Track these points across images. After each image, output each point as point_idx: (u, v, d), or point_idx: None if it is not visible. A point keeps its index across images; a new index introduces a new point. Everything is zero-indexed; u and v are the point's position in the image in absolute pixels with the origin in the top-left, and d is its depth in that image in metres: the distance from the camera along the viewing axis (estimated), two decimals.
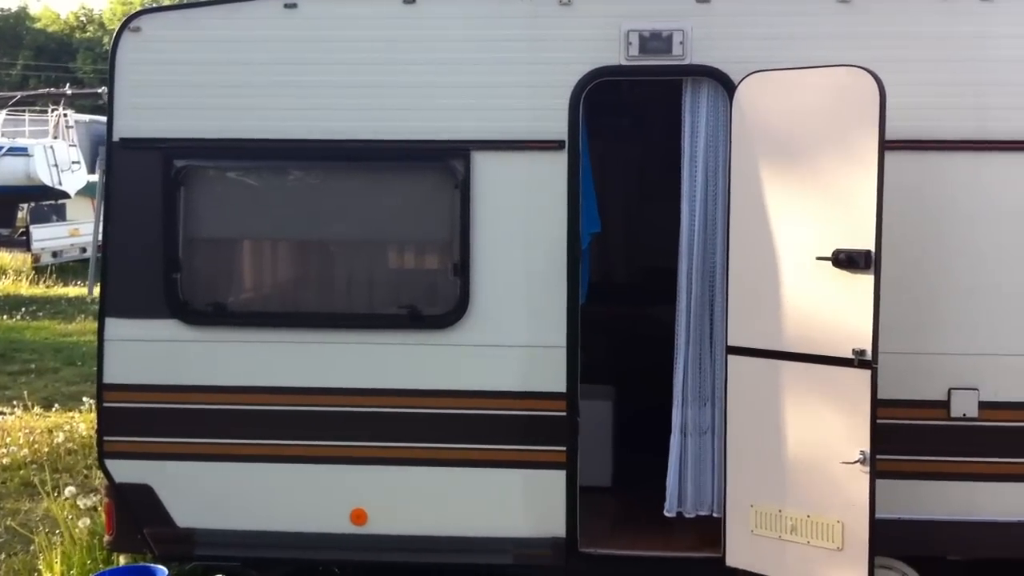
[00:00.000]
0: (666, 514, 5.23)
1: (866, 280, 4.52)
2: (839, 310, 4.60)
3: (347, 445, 5.28)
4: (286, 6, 5.24)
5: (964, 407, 5.01)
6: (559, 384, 5.15)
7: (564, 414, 5.15)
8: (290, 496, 5.31)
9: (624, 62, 5.11)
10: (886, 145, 4.50)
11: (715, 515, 5.16)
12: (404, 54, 5.17)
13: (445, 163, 5.18)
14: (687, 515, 5.21)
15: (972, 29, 4.96)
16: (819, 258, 4.62)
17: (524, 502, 5.22)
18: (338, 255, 5.48)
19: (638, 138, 7.47)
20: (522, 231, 5.18)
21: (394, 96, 5.17)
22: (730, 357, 4.90)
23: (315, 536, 5.29)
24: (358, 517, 5.28)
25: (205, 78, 5.26)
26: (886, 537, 4.72)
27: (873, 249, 4.50)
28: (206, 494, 5.34)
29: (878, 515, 4.56)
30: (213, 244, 5.47)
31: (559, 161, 5.13)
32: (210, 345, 5.32)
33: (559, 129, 5.12)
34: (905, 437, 4.99)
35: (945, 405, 5.03)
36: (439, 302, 5.25)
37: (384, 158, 5.23)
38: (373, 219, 5.34)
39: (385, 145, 5.20)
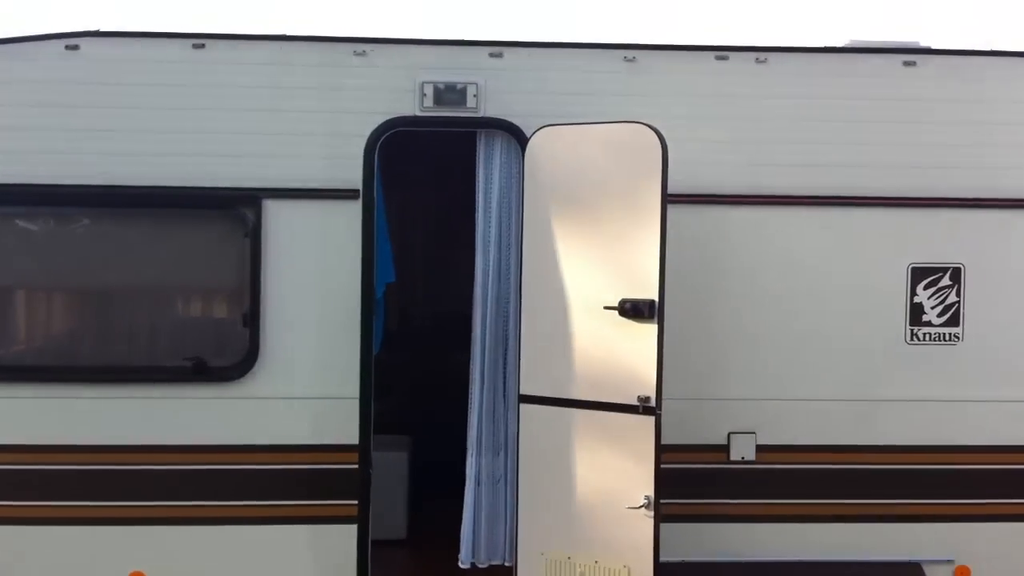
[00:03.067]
0: (461, 565, 5.21)
1: (650, 329, 4.66)
2: (625, 358, 4.72)
3: (126, 505, 5.05)
4: (68, 48, 5.04)
5: (743, 451, 5.23)
6: (351, 436, 5.07)
7: (356, 467, 5.08)
8: (65, 559, 5.02)
9: (419, 113, 5.15)
10: (669, 198, 4.67)
11: (507, 564, 5.19)
12: (192, 99, 5.06)
13: (235, 211, 5.08)
14: (480, 565, 5.21)
15: (749, 90, 5.24)
16: (606, 307, 4.74)
17: (313, 558, 5.10)
18: (120, 305, 5.26)
19: (439, 186, 7.53)
20: (315, 280, 5.11)
21: (180, 142, 5.05)
22: (522, 405, 4.95)
23: None
24: None
25: None
26: None
27: (657, 299, 4.65)
28: None
29: (663, 558, 4.66)
30: None
31: (353, 210, 5.10)
32: None
33: (353, 178, 5.10)
34: (688, 481, 5.15)
35: (725, 449, 5.25)
36: (227, 353, 5.10)
37: (170, 204, 5.08)
38: (158, 268, 5.16)
39: (171, 192, 5.05)
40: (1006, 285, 5.31)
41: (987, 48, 5.41)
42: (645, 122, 4.69)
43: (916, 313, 5.29)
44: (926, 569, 5.28)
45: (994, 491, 5.31)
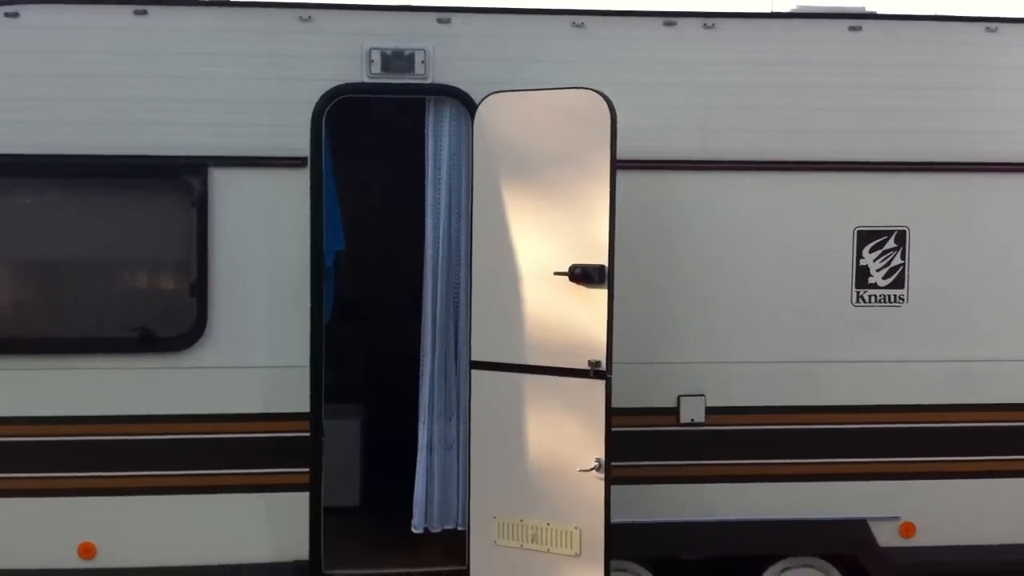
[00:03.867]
0: (414, 531, 5.24)
1: (600, 294, 4.69)
2: (576, 323, 4.75)
3: (74, 476, 5.02)
4: (7, 15, 4.94)
5: (692, 413, 5.29)
6: (302, 404, 5.07)
7: (308, 435, 5.08)
8: (14, 531, 5.00)
9: (366, 79, 5.12)
10: (618, 164, 4.69)
11: (460, 528, 5.22)
12: (135, 67, 4.99)
13: (181, 180, 5.03)
14: (433, 530, 5.25)
15: (697, 56, 5.25)
16: (556, 273, 4.76)
17: (266, 527, 5.11)
18: (66, 276, 5.19)
19: (389, 155, 7.49)
20: (263, 249, 5.09)
21: (125, 110, 4.99)
22: (473, 371, 4.97)
23: (39, 573, 4.99)
24: (86, 551, 5.03)
25: None
26: (622, 541, 4.90)
27: (606, 264, 4.67)
28: None
29: (614, 520, 4.73)
30: None
31: (301, 178, 5.07)
32: None
33: (301, 146, 5.06)
34: (639, 443, 5.21)
35: (675, 412, 5.30)
36: (175, 324, 5.07)
37: (115, 174, 5.02)
38: (104, 238, 5.11)
39: (115, 161, 4.99)
40: (949, 247, 5.39)
41: (931, 13, 5.47)
42: (594, 88, 4.69)
43: (862, 276, 5.36)
44: (872, 526, 5.38)
45: (938, 449, 5.41)
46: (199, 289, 5.03)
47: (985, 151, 5.37)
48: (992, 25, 5.38)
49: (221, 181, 5.04)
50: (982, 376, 5.42)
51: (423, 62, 5.13)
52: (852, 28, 5.32)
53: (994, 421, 5.44)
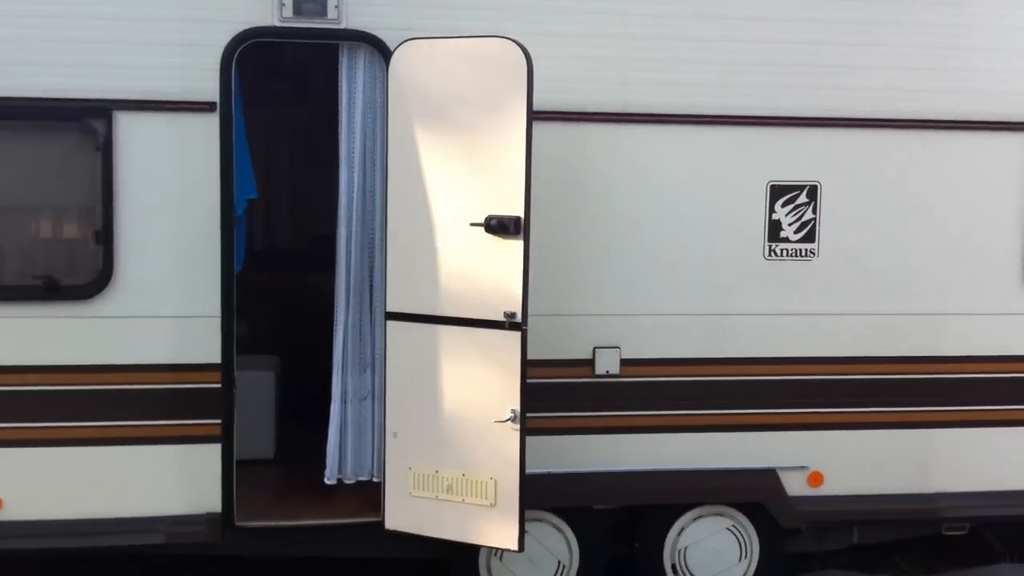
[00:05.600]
0: (327, 482, 5.21)
1: (516, 246, 4.66)
2: (491, 275, 4.72)
3: None
4: None
5: (607, 365, 5.33)
6: (213, 355, 4.98)
7: (219, 386, 5.00)
8: None
9: (278, 23, 4.98)
10: (534, 115, 4.65)
11: (376, 480, 5.21)
12: (38, 6, 4.79)
13: (84, 123, 4.86)
14: (347, 481, 5.23)
15: (615, 5, 5.21)
16: (472, 224, 4.72)
17: (177, 479, 5.04)
18: None
19: (304, 102, 7.36)
20: (172, 196, 4.96)
21: (25, 51, 4.79)
22: (388, 323, 4.92)
23: None
24: None
25: None
26: (537, 491, 4.94)
27: (522, 215, 4.64)
28: None
29: (529, 470, 4.74)
30: None
31: (210, 123, 4.93)
32: None
33: (210, 90, 4.93)
34: (554, 395, 5.24)
35: (590, 363, 5.33)
36: (80, 272, 4.93)
37: (16, 116, 4.83)
38: (5, 183, 4.92)
39: (17, 103, 4.80)
40: (859, 203, 5.47)
41: None
42: (511, 37, 4.62)
43: (774, 229, 5.43)
44: (781, 475, 5.50)
45: (845, 400, 5.54)
46: (105, 237, 4.88)
47: (893, 108, 5.44)
48: None
49: (126, 125, 4.88)
50: (889, 329, 5.55)
51: (336, 6, 5.01)
52: None
53: (900, 373, 5.58)
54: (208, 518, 5.04)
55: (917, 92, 5.45)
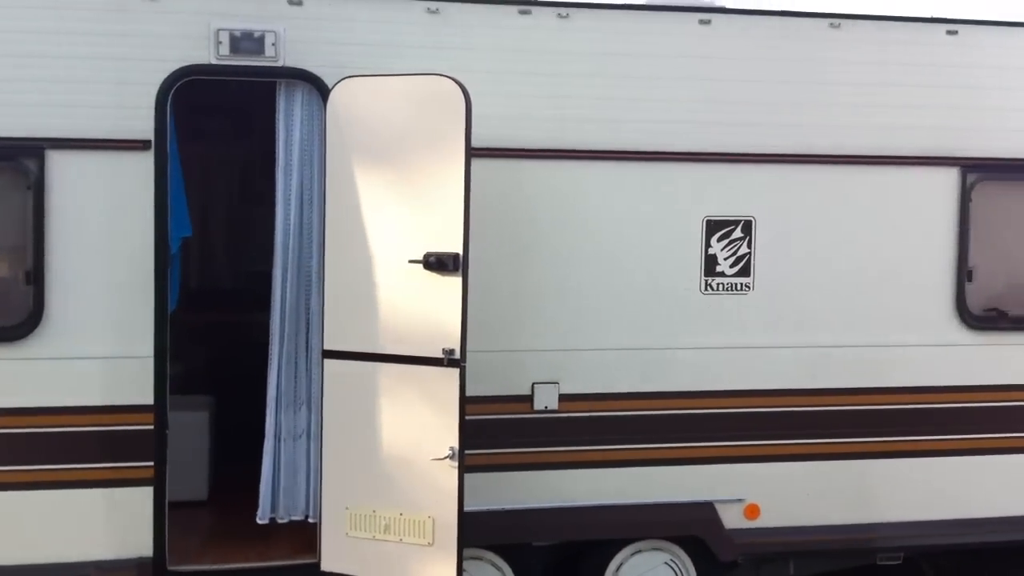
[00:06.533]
0: (259, 521, 5.15)
1: (454, 282, 4.67)
2: (430, 311, 4.72)
3: None
4: None
5: (546, 400, 5.34)
6: (146, 396, 4.91)
7: (151, 427, 4.92)
8: None
9: (215, 61, 4.97)
10: (473, 152, 4.68)
11: (311, 520, 5.16)
12: None
13: (15, 162, 4.79)
14: (280, 520, 5.17)
15: (552, 45, 5.27)
16: (411, 261, 4.72)
17: (107, 523, 4.94)
18: None
19: (242, 140, 7.31)
20: (105, 235, 4.90)
21: None
22: (326, 361, 4.89)
23: None
24: None
25: None
26: (475, 528, 4.92)
27: (461, 252, 4.65)
28: None
29: (467, 507, 4.72)
30: None
31: (145, 162, 4.90)
32: None
33: (145, 128, 4.89)
34: (493, 431, 5.23)
35: (529, 399, 5.34)
36: (10, 313, 4.84)
37: None
38: None
39: None
40: (792, 237, 5.57)
41: (781, 8, 5.61)
42: (449, 75, 4.66)
43: (711, 264, 5.49)
44: (718, 508, 5.53)
45: (780, 432, 5.60)
46: (35, 277, 4.81)
47: (825, 144, 5.55)
48: (835, 21, 5.56)
49: (59, 164, 4.82)
50: (823, 361, 5.62)
51: (274, 44, 5.01)
52: (702, 22, 5.43)
53: (834, 405, 5.65)
54: (139, 563, 4.94)
55: (848, 128, 5.57)
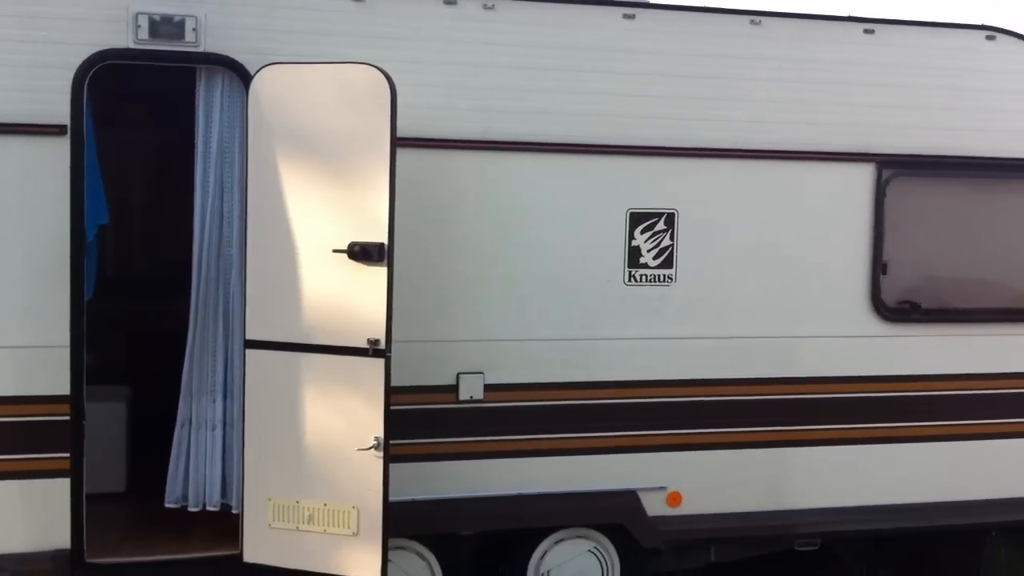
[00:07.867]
0: (167, 505, 5.09)
1: (380, 272, 4.65)
2: (355, 302, 4.69)
3: None
4: None
5: (471, 390, 5.34)
6: (62, 386, 4.79)
7: (68, 418, 4.81)
8: None
9: (133, 45, 4.86)
10: (398, 142, 4.65)
11: (235, 511, 5.09)
12: None
13: None
14: (191, 508, 5.09)
15: (476, 35, 5.27)
16: (335, 251, 4.68)
17: (22, 515, 4.82)
18: None
19: (161, 126, 7.17)
20: (18, 222, 4.77)
21: None
22: (248, 351, 4.83)
23: None
24: None
25: None
26: (400, 519, 4.90)
27: (386, 242, 4.63)
28: None
29: (392, 498, 4.71)
30: None
31: (60, 147, 4.77)
32: None
33: (60, 113, 4.77)
34: (418, 421, 5.22)
35: (454, 389, 5.34)
36: None
37: None
38: None
39: None
40: (714, 230, 5.64)
41: (701, 5, 5.69)
42: (374, 64, 4.63)
43: (634, 256, 5.55)
44: (641, 496, 5.59)
45: (702, 421, 5.68)
46: None
47: (745, 139, 5.63)
48: (756, 18, 5.65)
49: None
50: (743, 352, 5.72)
51: (194, 29, 4.92)
52: (626, 16, 5.46)
53: (753, 395, 5.75)
54: (55, 555, 4.83)
55: (767, 124, 5.66)
